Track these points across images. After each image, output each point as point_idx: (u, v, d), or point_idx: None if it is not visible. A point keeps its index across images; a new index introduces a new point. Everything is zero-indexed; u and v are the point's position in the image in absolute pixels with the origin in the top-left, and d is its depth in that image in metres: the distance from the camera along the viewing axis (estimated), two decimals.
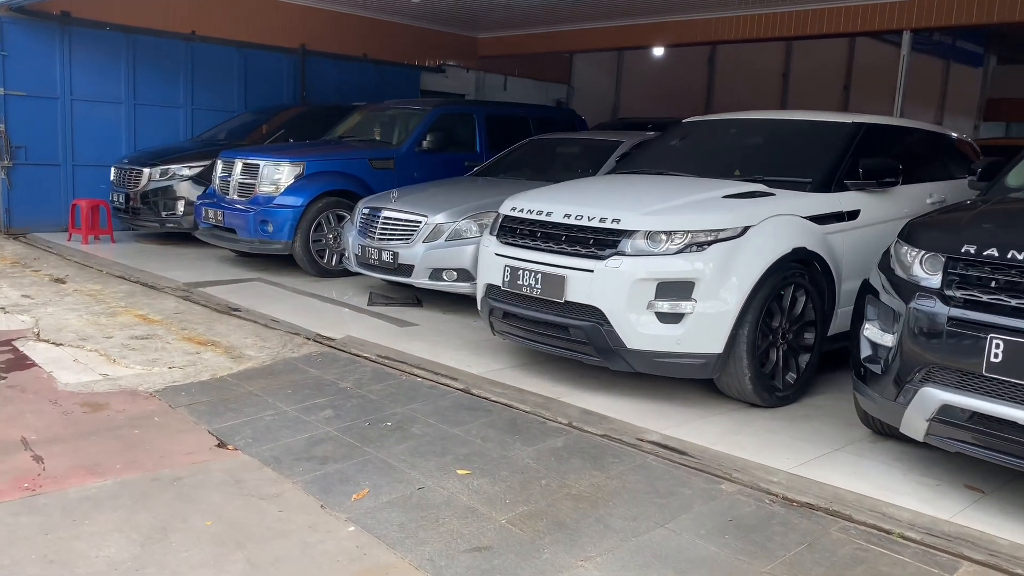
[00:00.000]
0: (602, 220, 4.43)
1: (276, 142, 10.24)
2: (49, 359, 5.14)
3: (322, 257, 8.19)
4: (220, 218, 8.31)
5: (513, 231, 4.91)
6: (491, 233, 5.09)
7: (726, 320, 4.22)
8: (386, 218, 6.82)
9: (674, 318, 4.24)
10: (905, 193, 5.23)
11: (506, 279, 4.78)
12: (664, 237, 4.29)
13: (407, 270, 6.63)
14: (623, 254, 4.32)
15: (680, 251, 4.26)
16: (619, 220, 4.39)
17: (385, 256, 6.74)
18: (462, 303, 6.96)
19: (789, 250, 4.40)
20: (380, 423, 4.19)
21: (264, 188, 8.13)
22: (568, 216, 4.58)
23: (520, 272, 4.67)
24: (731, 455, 3.81)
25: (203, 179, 9.73)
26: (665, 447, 3.87)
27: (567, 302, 4.45)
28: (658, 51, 17.01)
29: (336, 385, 4.80)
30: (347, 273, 8.22)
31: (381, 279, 7.04)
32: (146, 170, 9.80)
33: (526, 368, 5.18)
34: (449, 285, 6.48)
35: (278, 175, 8.10)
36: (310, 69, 13.00)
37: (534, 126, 9.95)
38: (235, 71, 12.24)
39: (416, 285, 6.65)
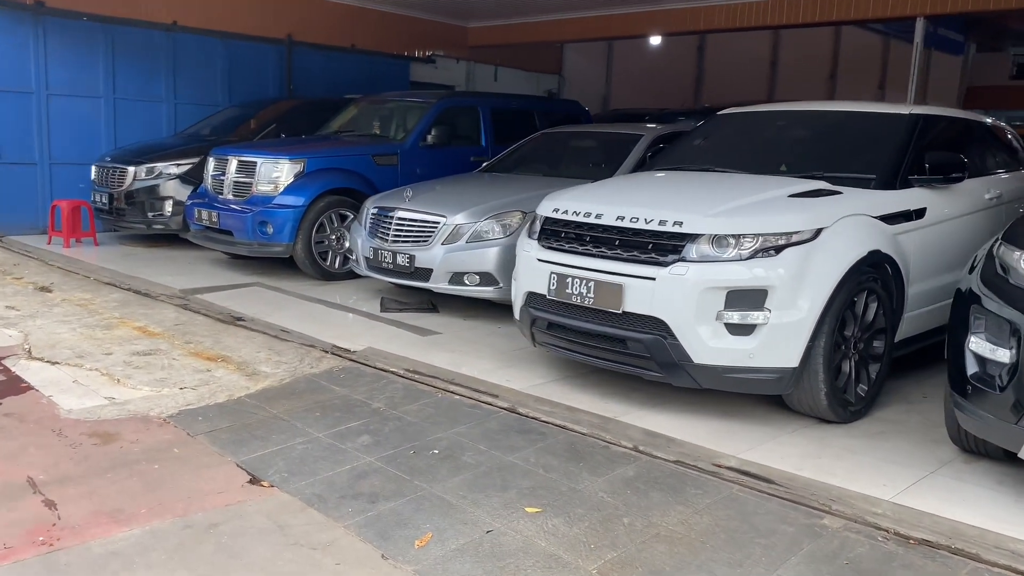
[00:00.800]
0: (662, 223, 4.06)
1: (267, 138, 9.75)
2: (46, 380, 4.68)
3: (324, 259, 7.75)
4: (215, 219, 7.82)
5: (556, 235, 4.52)
6: (530, 236, 4.71)
7: (802, 331, 3.88)
8: (401, 219, 6.40)
9: (746, 329, 3.89)
10: (966, 189, 4.93)
11: (552, 287, 4.39)
12: (732, 241, 3.93)
13: (425, 274, 6.22)
14: (687, 260, 3.96)
15: (751, 256, 3.90)
16: (681, 223, 4.02)
17: (401, 259, 6.32)
18: (482, 308, 6.57)
19: (865, 253, 4.07)
20: (426, 451, 3.80)
21: (262, 187, 7.66)
22: (621, 219, 4.20)
23: (569, 280, 4.29)
24: (823, 483, 3.47)
25: (192, 177, 9.22)
26: (748, 474, 3.52)
27: (625, 313, 4.08)
28: (649, 41, 16.68)
29: (367, 406, 4.39)
30: (351, 275, 7.81)
31: (394, 283, 6.61)
32: (131, 168, 9.27)
33: (570, 382, 4.81)
34: (471, 290, 6.09)
35: (277, 173, 7.64)
36: (297, 60, 12.49)
37: (538, 119, 9.56)
38: (219, 63, 11.70)
39: (435, 290, 6.25)
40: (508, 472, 3.57)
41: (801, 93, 23.14)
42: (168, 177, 9.24)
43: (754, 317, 3.87)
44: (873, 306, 4.24)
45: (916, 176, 4.59)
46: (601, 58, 17.62)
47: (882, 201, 4.38)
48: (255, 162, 7.73)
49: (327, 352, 5.37)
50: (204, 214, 7.95)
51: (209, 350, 5.35)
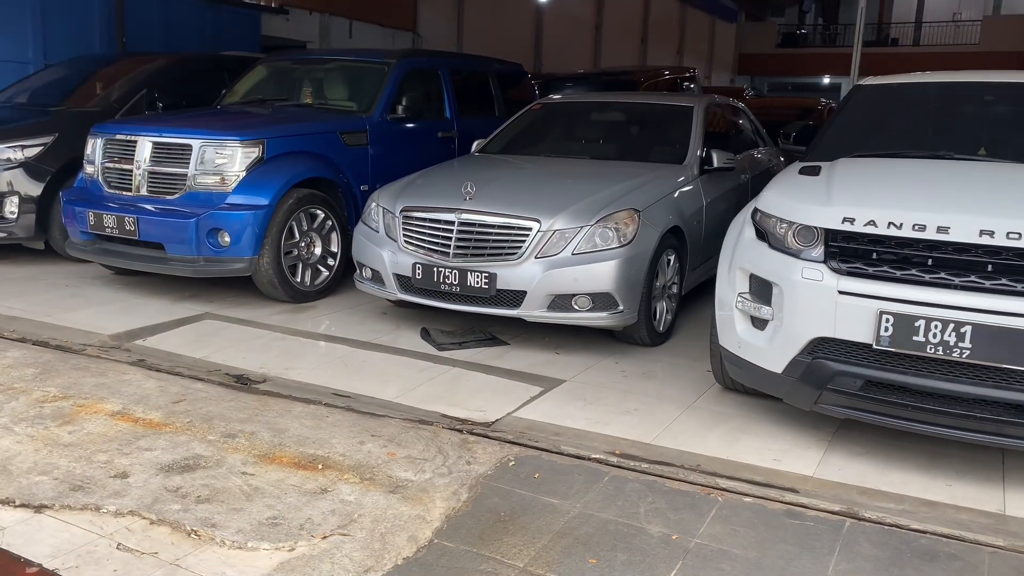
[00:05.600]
0: None
1: (137, 107, 7.32)
2: (56, 552, 2.64)
3: (294, 274, 5.78)
4: (130, 227, 5.51)
5: (866, 255, 3.24)
6: (810, 257, 3.37)
7: None
8: (469, 224, 4.71)
9: None
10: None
11: (884, 333, 3.12)
12: None
13: (513, 299, 4.63)
14: None
15: None
16: None
17: (474, 280, 4.66)
18: (563, 335, 5.09)
19: None
20: None
21: (203, 180, 5.50)
22: (989, 234, 3.02)
23: (921, 323, 3.05)
24: None
25: (43, 165, 6.64)
26: None
27: None
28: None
29: (643, 533, 2.88)
30: (324, 293, 5.94)
31: (461, 311, 4.89)
32: None
33: (847, 451, 3.56)
34: (580, 317, 4.60)
35: (223, 160, 5.51)
36: (130, 8, 9.73)
37: (493, 84, 8.03)
38: (28, 6, 8.74)
39: (527, 319, 4.67)
40: None
41: (621, 55, 23.12)
42: (8, 165, 6.56)
43: None
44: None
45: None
46: (452, 17, 16.07)
47: None
48: (188, 144, 5.52)
49: (460, 431, 3.69)
50: (109, 220, 5.58)
51: (282, 448, 3.46)
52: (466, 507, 3.04)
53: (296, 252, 5.74)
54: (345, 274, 6.07)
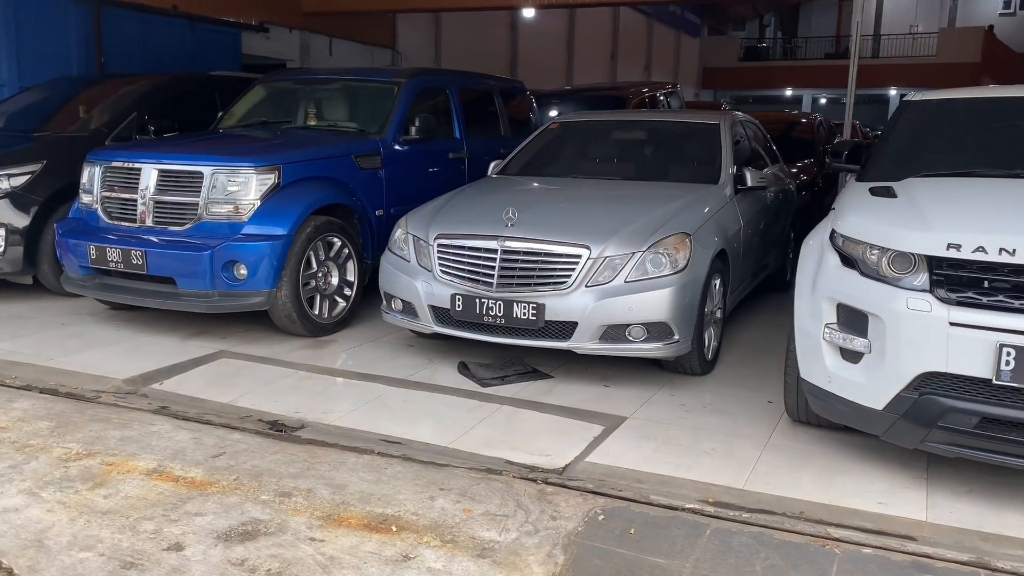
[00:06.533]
0: None
1: (127, 131, 6.93)
2: None
3: (311, 306, 5.45)
4: (137, 260, 5.14)
5: (976, 283, 3.05)
6: (913, 287, 3.16)
7: None
8: (513, 252, 4.44)
9: None
10: None
11: (1005, 367, 2.92)
12: None
13: (563, 330, 4.37)
14: None
15: None
16: None
17: (519, 311, 4.39)
18: (607, 366, 4.84)
19: None
20: None
21: (216, 209, 5.15)
22: None
23: None
24: None
25: (30, 195, 6.21)
26: None
27: None
28: (473, 16, 15.28)
29: None
30: (341, 325, 5.64)
31: (505, 344, 4.60)
32: None
33: (978, 499, 3.34)
34: (635, 348, 4.36)
35: (237, 187, 5.17)
36: (107, 26, 9.30)
37: (498, 102, 7.80)
38: (0, 26, 8.28)
39: (578, 351, 4.41)
40: None
41: (591, 70, 23.09)
42: None
43: None
44: None
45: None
46: (430, 34, 15.83)
47: None
48: (199, 172, 5.17)
49: (533, 481, 3.41)
50: (113, 253, 5.20)
51: (347, 508, 3.14)
52: (566, 571, 2.76)
53: (314, 283, 5.41)
54: (360, 304, 5.78)
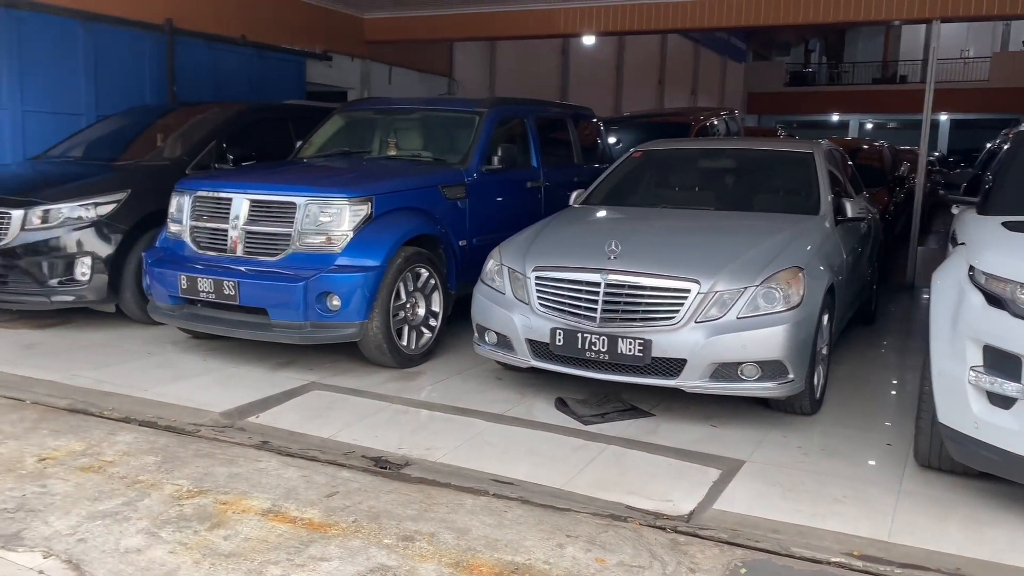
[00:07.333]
0: None
1: (206, 159, 6.94)
2: None
3: (400, 337, 5.37)
4: (230, 291, 5.10)
5: None
6: None
7: None
8: (617, 286, 4.32)
9: None
10: None
11: None
12: None
13: (671, 367, 4.23)
14: None
15: None
16: None
17: (625, 347, 4.26)
18: (707, 403, 4.68)
19: None
20: None
21: (310, 240, 5.11)
22: None
23: None
24: None
25: (117, 223, 6.24)
26: None
27: None
28: (526, 42, 15.32)
29: None
30: (427, 356, 5.55)
31: (607, 380, 4.48)
32: (16, 213, 6.07)
33: None
34: (748, 388, 4.20)
35: (329, 218, 5.12)
36: (179, 54, 9.43)
37: (571, 130, 7.72)
38: (80, 54, 8.47)
39: (686, 389, 4.26)
40: None
41: (640, 95, 23.03)
42: (79, 224, 6.14)
43: None
44: None
45: None
46: (485, 60, 15.90)
47: None
48: (292, 203, 5.14)
49: (663, 529, 3.26)
50: (204, 283, 5.17)
51: (474, 555, 3.02)
52: None
53: (402, 314, 5.34)
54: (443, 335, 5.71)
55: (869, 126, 37.31)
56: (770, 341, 4.12)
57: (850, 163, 7.08)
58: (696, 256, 4.43)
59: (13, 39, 7.75)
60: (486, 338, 4.87)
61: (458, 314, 6.00)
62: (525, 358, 4.62)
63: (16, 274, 6.11)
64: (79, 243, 6.12)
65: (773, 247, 4.52)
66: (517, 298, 4.68)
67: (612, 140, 10.00)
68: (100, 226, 6.19)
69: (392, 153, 6.58)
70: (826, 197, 5.36)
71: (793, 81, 35.30)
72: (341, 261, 5.04)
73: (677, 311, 4.21)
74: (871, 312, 6.92)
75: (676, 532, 3.23)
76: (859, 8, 9.43)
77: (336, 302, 4.99)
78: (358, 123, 6.98)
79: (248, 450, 3.99)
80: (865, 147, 12.71)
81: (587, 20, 11.25)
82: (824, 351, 4.75)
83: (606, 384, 4.72)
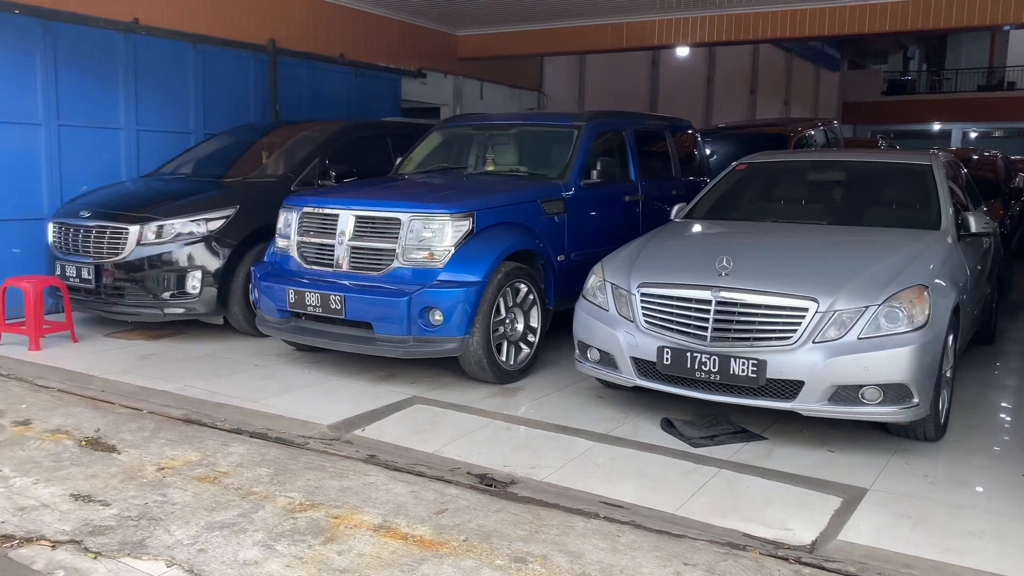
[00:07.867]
0: None
1: (310, 176, 7.09)
2: None
3: (499, 353, 5.35)
4: (335, 305, 5.18)
5: None
6: None
7: None
8: (729, 304, 4.18)
9: None
10: None
11: None
12: None
13: (787, 389, 4.06)
14: None
15: None
16: None
17: (738, 367, 4.11)
18: (821, 426, 4.48)
19: None
20: None
21: (413, 255, 5.15)
22: None
23: None
24: None
25: (226, 238, 6.43)
26: None
27: None
28: (617, 55, 15.18)
29: None
30: (525, 372, 5.50)
31: (718, 401, 4.34)
32: (133, 228, 6.34)
33: None
34: (869, 412, 3.99)
35: (431, 234, 5.15)
36: (282, 73, 9.71)
37: (670, 142, 7.59)
38: (190, 75, 8.77)
39: (803, 413, 4.09)
40: None
41: (731, 106, 22.60)
42: (191, 239, 6.37)
43: None
44: None
45: None
46: (575, 74, 15.87)
47: None
48: (397, 219, 5.19)
49: (785, 559, 3.11)
50: (312, 297, 5.27)
51: None
52: None
53: (502, 330, 5.32)
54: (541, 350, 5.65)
55: (973, 135, 35.62)
56: (894, 363, 3.92)
57: (965, 172, 6.72)
58: (813, 273, 4.26)
59: (130, 62, 8.12)
60: (588, 355, 4.79)
61: (555, 330, 5.95)
62: (630, 377, 4.52)
63: (132, 287, 6.38)
64: (190, 257, 6.35)
65: (894, 264, 4.30)
66: (621, 315, 4.59)
67: (707, 152, 9.81)
68: (210, 241, 6.40)
69: (490, 168, 6.58)
70: (947, 211, 5.09)
71: (891, 90, 34.02)
72: (443, 276, 5.06)
73: (794, 331, 4.05)
74: (991, 331, 6.55)
75: (800, 563, 3.08)
76: (962, 14, 8.99)
77: (438, 317, 5.00)
78: (456, 139, 7.03)
79: (356, 463, 4.02)
80: (981, 157, 12.09)
81: (682, 31, 11.11)
82: (948, 374, 4.50)
83: (714, 405, 4.57)
